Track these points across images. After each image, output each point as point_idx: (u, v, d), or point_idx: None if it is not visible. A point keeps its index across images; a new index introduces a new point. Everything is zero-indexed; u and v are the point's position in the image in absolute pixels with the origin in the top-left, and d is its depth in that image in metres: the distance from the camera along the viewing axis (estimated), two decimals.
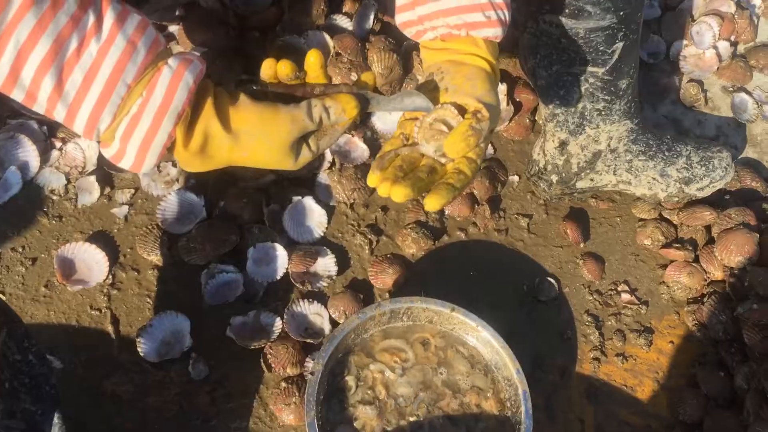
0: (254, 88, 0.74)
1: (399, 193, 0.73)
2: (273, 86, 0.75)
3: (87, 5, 0.65)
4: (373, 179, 0.76)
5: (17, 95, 0.65)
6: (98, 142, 0.71)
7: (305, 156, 0.76)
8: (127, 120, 0.68)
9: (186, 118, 0.70)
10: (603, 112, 1.15)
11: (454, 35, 0.82)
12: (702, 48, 1.42)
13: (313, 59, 0.76)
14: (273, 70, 0.75)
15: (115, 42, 0.66)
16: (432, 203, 0.74)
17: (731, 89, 1.42)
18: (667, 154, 1.20)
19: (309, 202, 1.17)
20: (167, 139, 0.69)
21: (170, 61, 0.69)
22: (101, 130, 0.68)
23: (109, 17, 0.66)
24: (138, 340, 1.04)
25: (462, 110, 0.78)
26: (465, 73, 0.81)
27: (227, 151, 0.73)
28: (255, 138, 0.72)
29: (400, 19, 0.88)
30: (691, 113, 1.40)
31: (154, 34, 0.69)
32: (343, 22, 1.27)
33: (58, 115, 0.67)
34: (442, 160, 0.77)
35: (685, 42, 1.43)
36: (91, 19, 0.65)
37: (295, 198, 1.17)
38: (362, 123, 1.24)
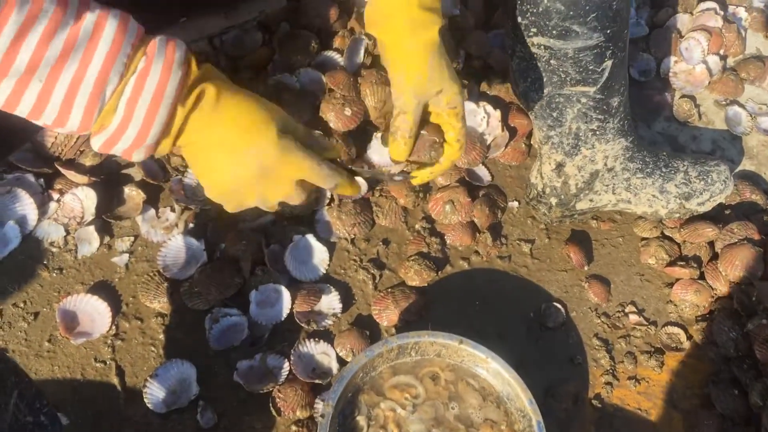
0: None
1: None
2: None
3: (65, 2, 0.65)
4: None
5: (11, 78, 0.64)
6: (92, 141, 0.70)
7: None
8: (134, 78, 0.68)
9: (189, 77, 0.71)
10: (597, 132, 1.15)
11: None
12: (692, 63, 1.42)
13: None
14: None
15: (110, 14, 0.67)
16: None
17: (724, 103, 1.43)
18: (664, 170, 1.19)
19: (310, 239, 1.17)
20: (178, 88, 0.69)
21: (157, 37, 0.70)
22: (107, 94, 0.67)
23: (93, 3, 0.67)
24: (144, 391, 1.02)
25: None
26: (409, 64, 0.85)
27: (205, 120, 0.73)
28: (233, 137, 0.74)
29: None
30: (686, 129, 1.40)
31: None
32: (335, 57, 1.28)
33: (59, 88, 0.65)
34: None
35: (674, 58, 1.43)
36: (76, 3, 0.66)
37: (296, 236, 1.16)
38: (359, 157, 1.24)
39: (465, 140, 0.93)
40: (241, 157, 0.75)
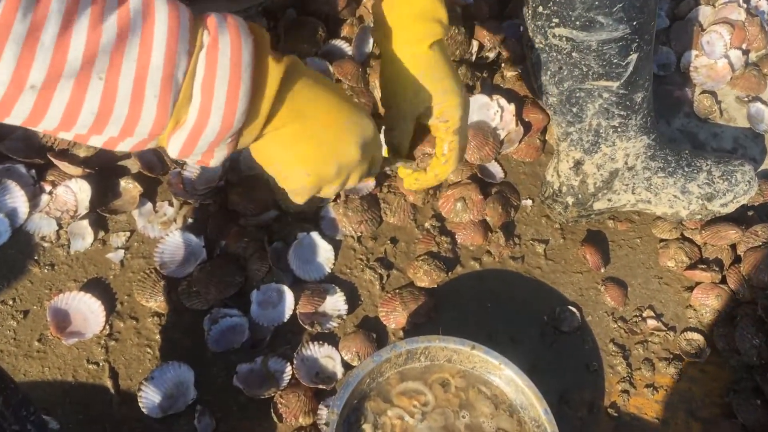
0: None
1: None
2: None
3: None
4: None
5: (67, 80, 0.53)
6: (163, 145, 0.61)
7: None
8: (204, 53, 0.58)
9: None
10: (619, 129, 1.09)
11: None
12: (713, 58, 1.37)
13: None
14: None
15: None
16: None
17: (746, 99, 1.37)
18: (687, 169, 1.14)
19: (314, 237, 1.11)
20: (253, 55, 0.60)
21: (209, 12, 0.61)
22: (180, 77, 0.57)
23: None
24: (139, 394, 0.97)
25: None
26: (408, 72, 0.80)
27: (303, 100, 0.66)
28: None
29: None
30: (707, 126, 1.35)
31: None
32: (342, 46, 1.22)
33: (125, 80, 0.55)
34: None
35: (695, 52, 1.38)
36: None
37: (300, 234, 1.11)
38: None
39: (456, 156, 0.85)
40: (345, 128, 0.69)
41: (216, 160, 0.63)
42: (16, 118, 0.54)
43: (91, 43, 0.52)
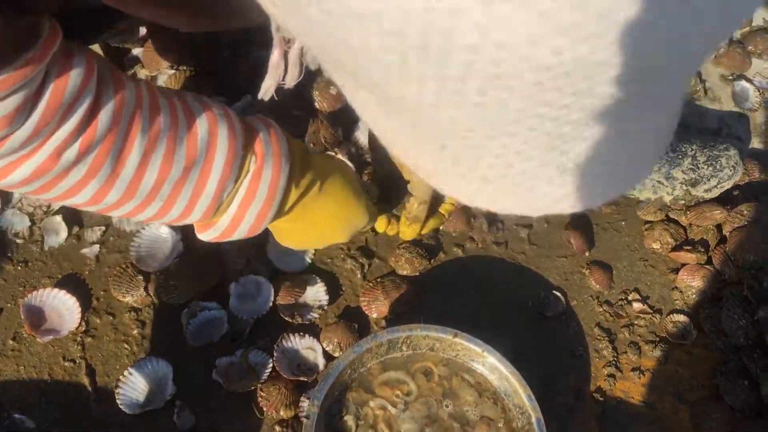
0: None
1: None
2: None
3: (174, 107, 0.66)
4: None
5: (134, 201, 0.66)
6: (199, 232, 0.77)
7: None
8: (248, 179, 0.70)
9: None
10: None
11: None
12: None
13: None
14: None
15: (217, 117, 0.68)
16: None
17: (730, 78, 1.36)
18: (671, 155, 1.12)
19: None
20: (288, 180, 0.73)
21: (255, 124, 0.73)
22: (224, 199, 0.70)
23: (192, 101, 0.68)
24: (117, 391, 0.96)
25: None
26: None
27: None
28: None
29: None
30: (691, 106, 1.33)
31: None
32: None
33: (180, 203, 0.67)
34: None
35: None
36: (181, 108, 0.66)
37: None
38: (346, 138, 1.17)
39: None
40: (339, 229, 0.86)
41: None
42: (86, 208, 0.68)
43: (160, 177, 0.64)
